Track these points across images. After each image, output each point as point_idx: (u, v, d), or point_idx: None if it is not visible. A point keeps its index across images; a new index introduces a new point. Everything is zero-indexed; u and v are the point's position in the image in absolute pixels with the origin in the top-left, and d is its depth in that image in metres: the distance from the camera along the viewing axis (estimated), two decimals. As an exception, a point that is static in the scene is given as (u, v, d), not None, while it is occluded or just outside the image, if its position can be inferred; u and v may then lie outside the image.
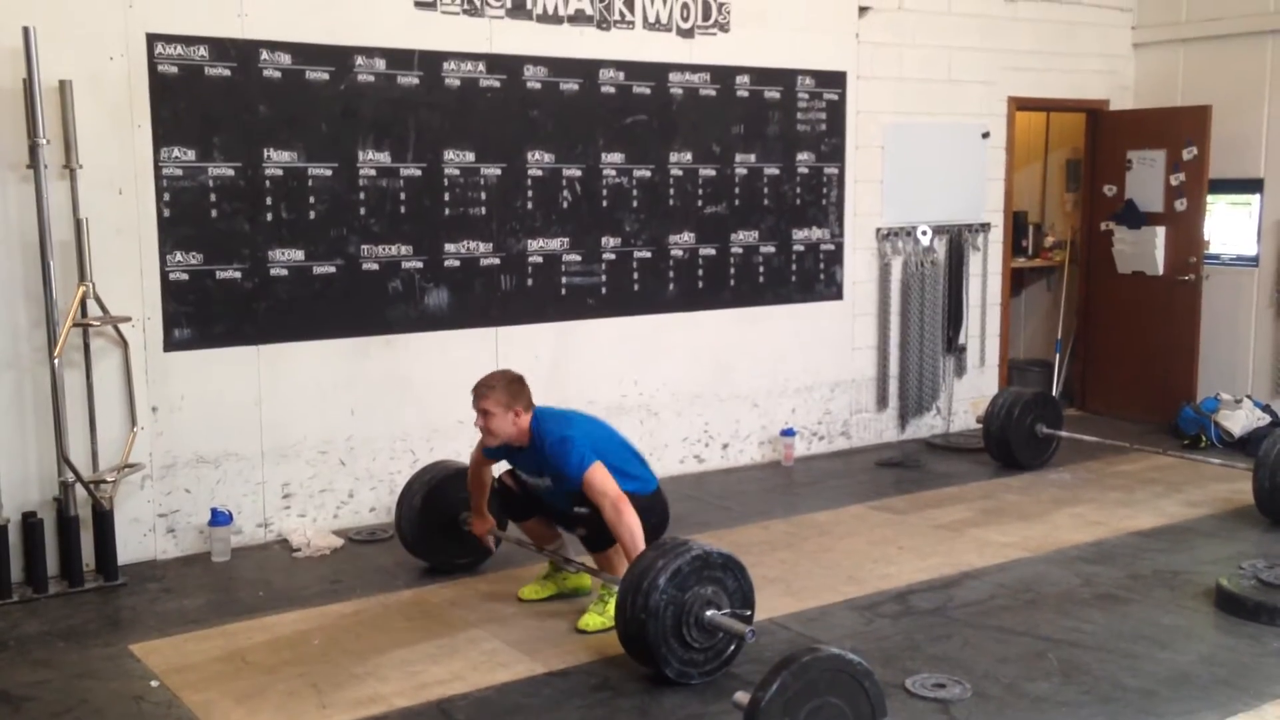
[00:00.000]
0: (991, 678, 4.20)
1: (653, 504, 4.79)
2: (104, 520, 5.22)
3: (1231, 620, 4.73)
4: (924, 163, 7.90)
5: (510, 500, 4.98)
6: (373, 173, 5.97)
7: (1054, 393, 8.81)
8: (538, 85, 6.39)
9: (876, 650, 4.41)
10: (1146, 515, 6.24)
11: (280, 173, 5.73)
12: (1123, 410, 8.63)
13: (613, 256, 6.71)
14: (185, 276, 5.54)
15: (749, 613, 4.19)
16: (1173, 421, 8.04)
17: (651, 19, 6.72)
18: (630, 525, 4.41)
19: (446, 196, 6.18)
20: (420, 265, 6.13)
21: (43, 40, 4.94)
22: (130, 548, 5.46)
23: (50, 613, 4.93)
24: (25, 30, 4.89)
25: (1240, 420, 7.67)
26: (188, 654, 4.50)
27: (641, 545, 4.36)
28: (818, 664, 3.36)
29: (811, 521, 6.19)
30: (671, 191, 6.88)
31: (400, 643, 4.57)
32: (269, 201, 5.71)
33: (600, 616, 4.65)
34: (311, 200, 5.82)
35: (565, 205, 6.54)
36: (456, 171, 6.20)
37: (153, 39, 5.37)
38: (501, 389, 4.69)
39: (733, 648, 4.21)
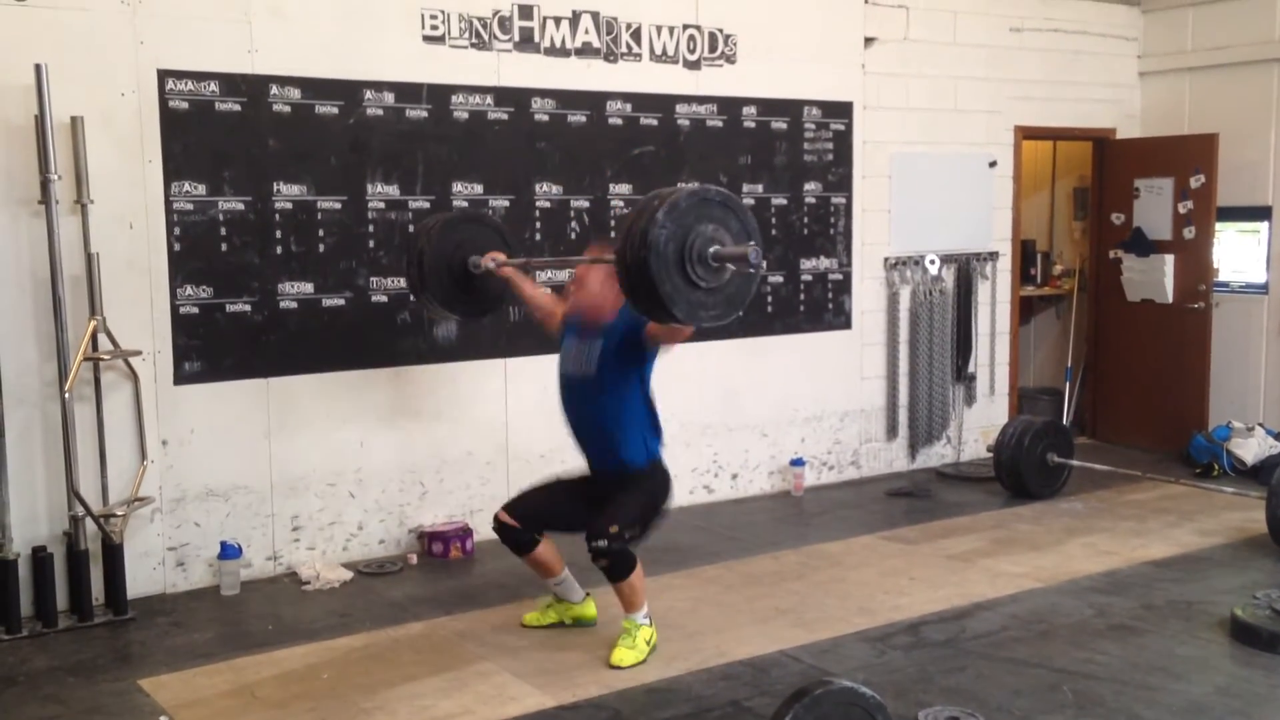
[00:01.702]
0: (1005, 710, 4.16)
1: (662, 480, 4.81)
2: (113, 554, 5.22)
3: (1247, 651, 4.68)
4: (931, 192, 7.91)
5: (514, 534, 4.95)
6: (382, 205, 6.00)
7: (1065, 421, 8.77)
8: (545, 117, 6.42)
9: (889, 682, 4.38)
10: (1159, 545, 6.21)
11: (290, 206, 5.76)
12: (1134, 438, 8.60)
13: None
14: (195, 310, 5.56)
15: (753, 242, 3.99)
16: (1184, 450, 8.00)
17: (658, 51, 6.76)
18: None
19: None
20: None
21: (54, 77, 4.98)
22: (140, 581, 5.46)
23: (59, 647, 4.92)
24: (37, 67, 4.93)
25: (1253, 448, 7.63)
26: (197, 688, 4.48)
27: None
28: (830, 697, 3.34)
29: (822, 552, 6.17)
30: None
31: (409, 676, 4.55)
32: (278, 235, 5.74)
33: (632, 650, 4.62)
34: (321, 233, 5.85)
35: (573, 236, 6.56)
36: (465, 203, 6.22)
37: (164, 75, 5.41)
38: (606, 270, 4.57)
39: (742, 286, 4.04)
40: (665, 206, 3.86)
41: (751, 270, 4.00)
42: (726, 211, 4.02)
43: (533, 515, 4.91)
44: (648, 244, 3.82)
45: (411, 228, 6.05)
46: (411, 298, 5.61)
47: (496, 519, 4.93)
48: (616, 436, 4.72)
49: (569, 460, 6.57)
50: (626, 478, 4.73)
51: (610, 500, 4.67)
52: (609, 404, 4.71)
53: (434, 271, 5.25)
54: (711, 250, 3.91)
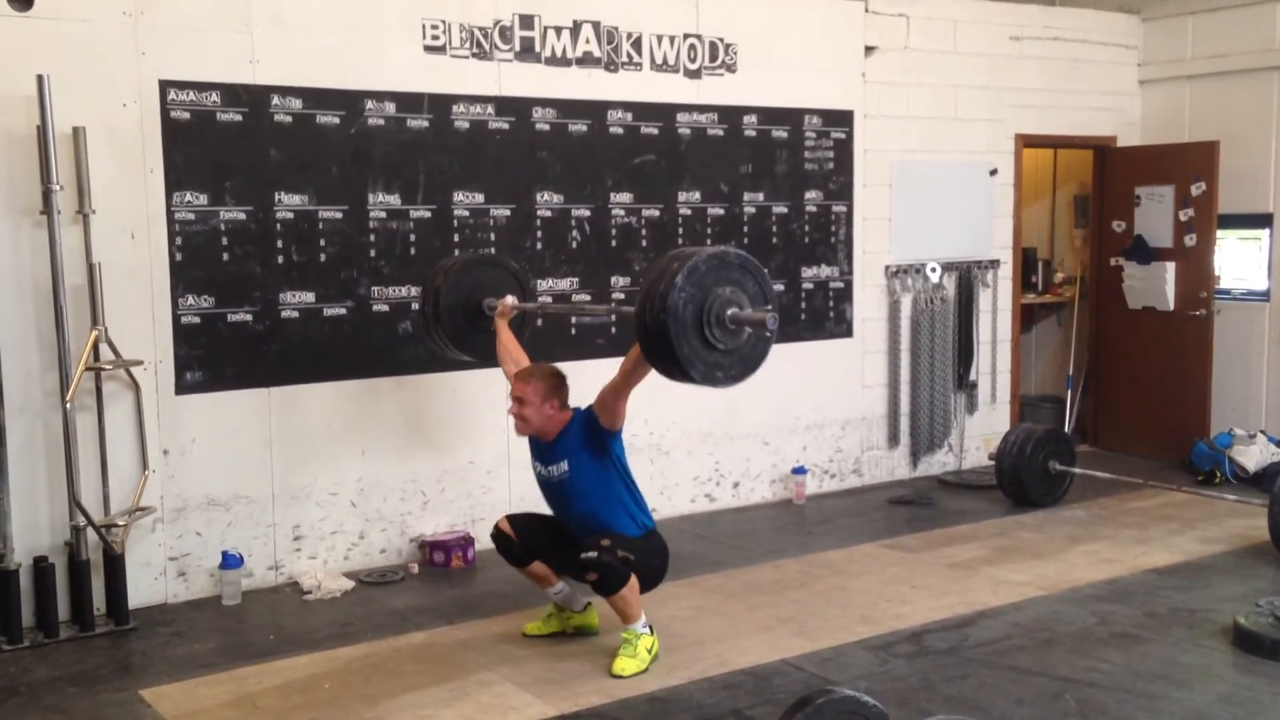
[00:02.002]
0: (1008, 719, 4.15)
1: (659, 544, 4.84)
2: (115, 564, 5.22)
3: (1250, 659, 4.68)
4: (932, 200, 7.92)
5: (511, 547, 4.94)
6: (383, 215, 6.00)
7: (1066, 429, 8.77)
8: (546, 127, 6.43)
9: (891, 691, 4.37)
10: (1162, 552, 6.20)
11: (291, 216, 5.77)
12: (1136, 446, 8.59)
13: (622, 296, 6.71)
14: (197, 320, 5.56)
15: (770, 308, 4.05)
16: (1186, 457, 7.99)
17: (659, 60, 6.77)
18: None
19: (456, 238, 6.21)
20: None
21: (56, 87, 4.99)
22: (141, 591, 5.46)
23: (61, 658, 4.92)
24: (39, 78, 4.95)
25: (1255, 455, 7.63)
26: (198, 699, 4.48)
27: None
28: (832, 706, 3.33)
29: (824, 560, 6.16)
30: (680, 231, 6.90)
31: (411, 686, 4.55)
32: (280, 245, 5.75)
33: (633, 660, 4.62)
34: (322, 243, 5.85)
35: (574, 245, 6.57)
36: (466, 213, 6.23)
37: (165, 85, 5.42)
38: (541, 379, 4.75)
39: (759, 347, 4.08)
40: (685, 270, 3.92)
41: (768, 335, 4.07)
42: (744, 274, 4.09)
43: (531, 537, 4.93)
44: (667, 308, 3.89)
45: (413, 237, 6.07)
46: (426, 331, 5.57)
47: (497, 527, 4.94)
48: (602, 528, 4.71)
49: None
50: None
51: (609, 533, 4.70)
52: (587, 509, 4.74)
53: (449, 311, 5.32)
54: (729, 313, 3.98)
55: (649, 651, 4.67)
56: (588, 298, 6.62)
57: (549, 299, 6.49)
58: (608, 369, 6.58)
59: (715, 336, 3.97)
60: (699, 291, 3.93)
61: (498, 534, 4.94)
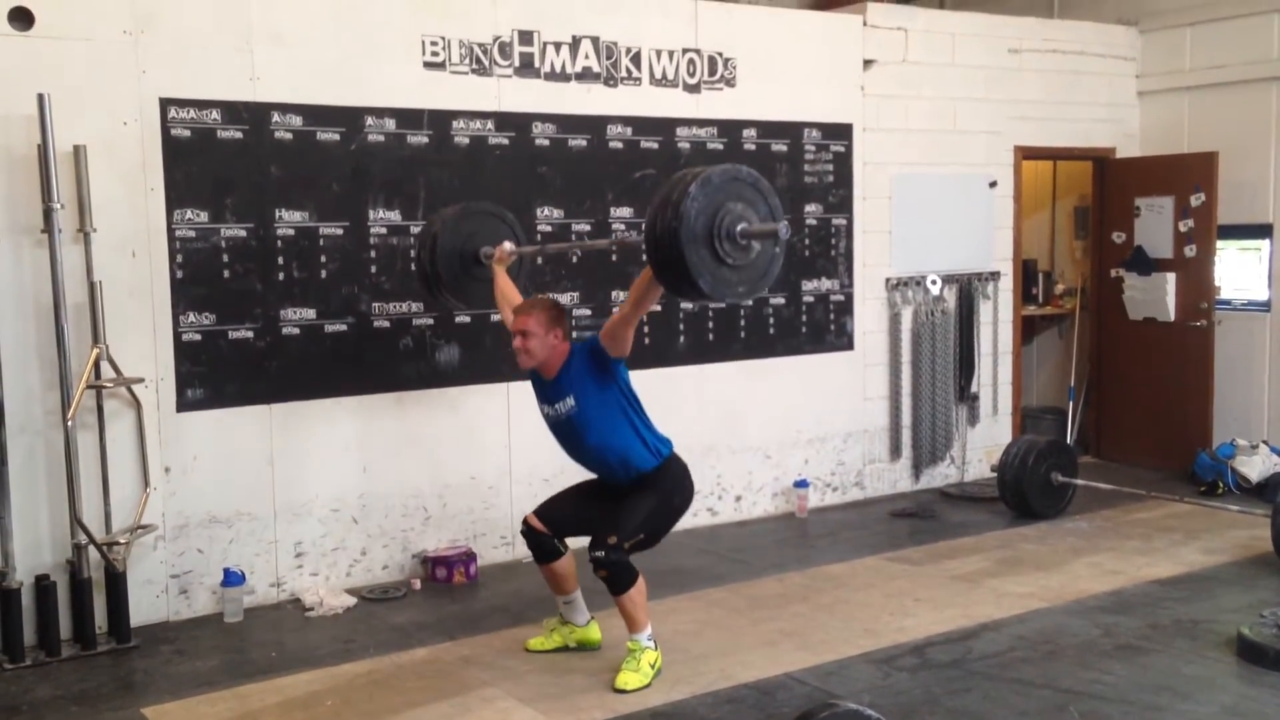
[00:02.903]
0: (1012, 732, 4.15)
1: (678, 473, 4.80)
2: (117, 582, 5.21)
3: (1254, 670, 4.66)
4: (932, 212, 7.93)
5: (543, 542, 4.92)
6: (383, 231, 6.01)
7: (1068, 440, 8.76)
8: (546, 142, 6.45)
9: (894, 704, 4.36)
10: (1165, 563, 6.19)
11: (292, 233, 5.78)
12: (1138, 457, 8.58)
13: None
14: (198, 337, 5.57)
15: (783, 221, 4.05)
16: (1189, 468, 7.99)
17: (658, 75, 6.79)
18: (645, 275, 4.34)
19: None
20: (431, 322, 6.16)
21: (57, 106, 5.01)
22: (143, 609, 5.45)
23: (63, 676, 4.91)
24: (40, 97, 4.96)
25: (1257, 466, 7.62)
26: (200, 717, 4.47)
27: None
28: (835, 720, 3.32)
29: (827, 574, 6.15)
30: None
31: (413, 703, 4.54)
32: (281, 261, 5.75)
33: (636, 674, 4.62)
34: (323, 259, 5.86)
35: (575, 259, 6.57)
36: (467, 228, 6.23)
37: (166, 103, 5.44)
38: (542, 310, 4.72)
39: (769, 265, 4.07)
40: (698, 181, 3.91)
41: (777, 250, 4.04)
42: (756, 193, 4.07)
43: (559, 520, 4.92)
44: (679, 215, 3.86)
45: (413, 253, 6.07)
46: (422, 281, 5.60)
47: (526, 523, 4.94)
48: (619, 459, 4.72)
49: (573, 482, 6.58)
50: (644, 481, 4.74)
51: (623, 505, 4.68)
52: (599, 440, 4.71)
53: (445, 259, 5.36)
54: (740, 228, 3.95)
55: (652, 666, 4.66)
56: (588, 312, 6.62)
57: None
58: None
59: (725, 250, 3.94)
60: (711, 203, 3.91)
61: (528, 530, 4.93)
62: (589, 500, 4.91)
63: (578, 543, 4.86)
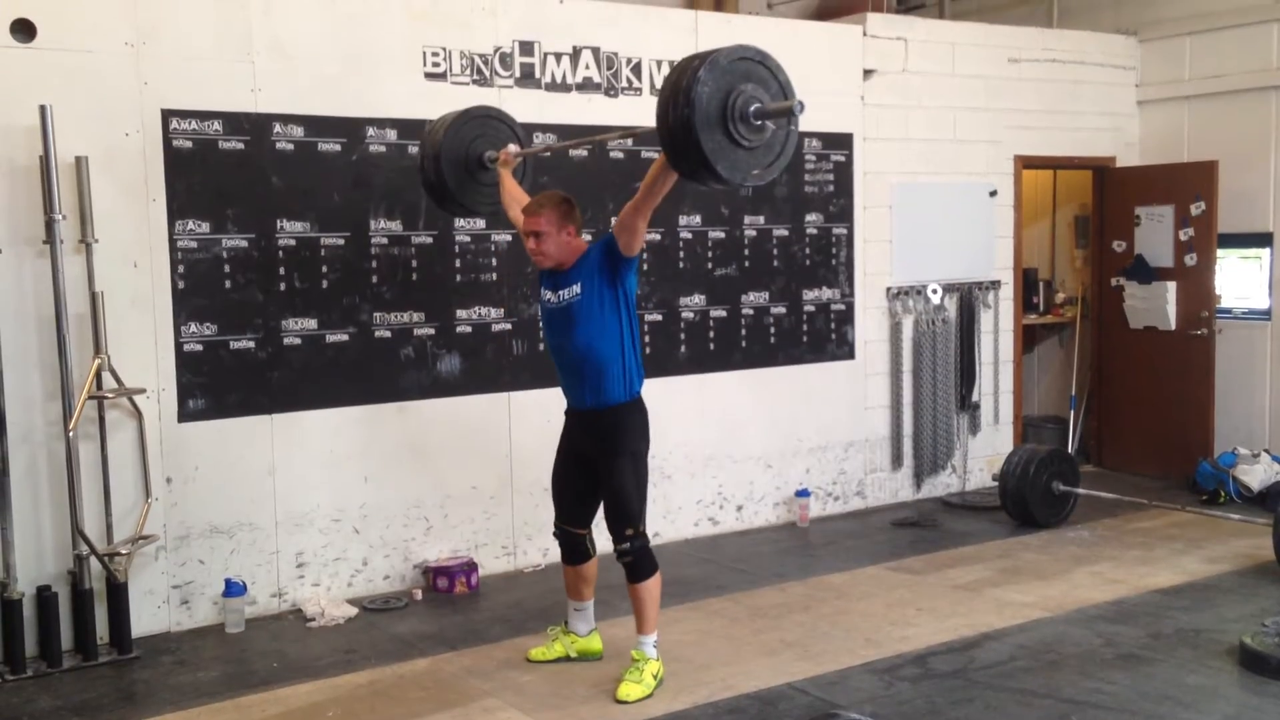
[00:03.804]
0: (1014, 741, 4.14)
1: (644, 419, 4.80)
2: (118, 593, 5.21)
3: (1256, 679, 4.66)
4: (932, 222, 7.94)
5: (578, 543, 4.96)
6: (384, 241, 6.02)
7: (1070, 449, 8.76)
8: (547, 152, 6.45)
9: (896, 715, 4.36)
10: (1167, 573, 6.18)
11: (293, 243, 5.79)
12: (1139, 466, 8.58)
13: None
14: (199, 347, 5.58)
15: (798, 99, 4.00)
16: (1190, 477, 7.98)
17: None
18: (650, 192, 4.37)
19: (458, 263, 6.22)
20: (432, 332, 6.16)
21: (59, 118, 5.02)
22: (144, 620, 5.45)
23: (64, 688, 4.91)
24: (42, 108, 4.97)
25: (1259, 474, 7.61)
26: (201, 728, 4.47)
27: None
28: (837, 730, 3.32)
29: (828, 583, 6.15)
30: (681, 254, 6.92)
31: (415, 713, 4.54)
32: (282, 271, 5.76)
33: (639, 685, 4.62)
34: (324, 269, 5.87)
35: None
36: (467, 238, 6.25)
37: (167, 114, 5.45)
38: (552, 207, 4.66)
39: (785, 143, 4.04)
40: (707, 64, 3.86)
41: (792, 129, 4.00)
42: (766, 71, 4.01)
43: (574, 513, 4.95)
44: (690, 102, 3.81)
45: (414, 263, 6.09)
46: (428, 191, 5.56)
47: (564, 530, 4.96)
48: (596, 371, 4.66)
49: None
50: (604, 423, 4.72)
51: (610, 487, 4.71)
52: (587, 340, 4.63)
53: (450, 166, 5.32)
54: (754, 108, 3.90)
55: (655, 677, 4.66)
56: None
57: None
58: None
59: (740, 133, 3.90)
60: (721, 86, 3.86)
61: (564, 533, 4.96)
62: (575, 479, 4.91)
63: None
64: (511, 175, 5.32)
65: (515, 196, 5.19)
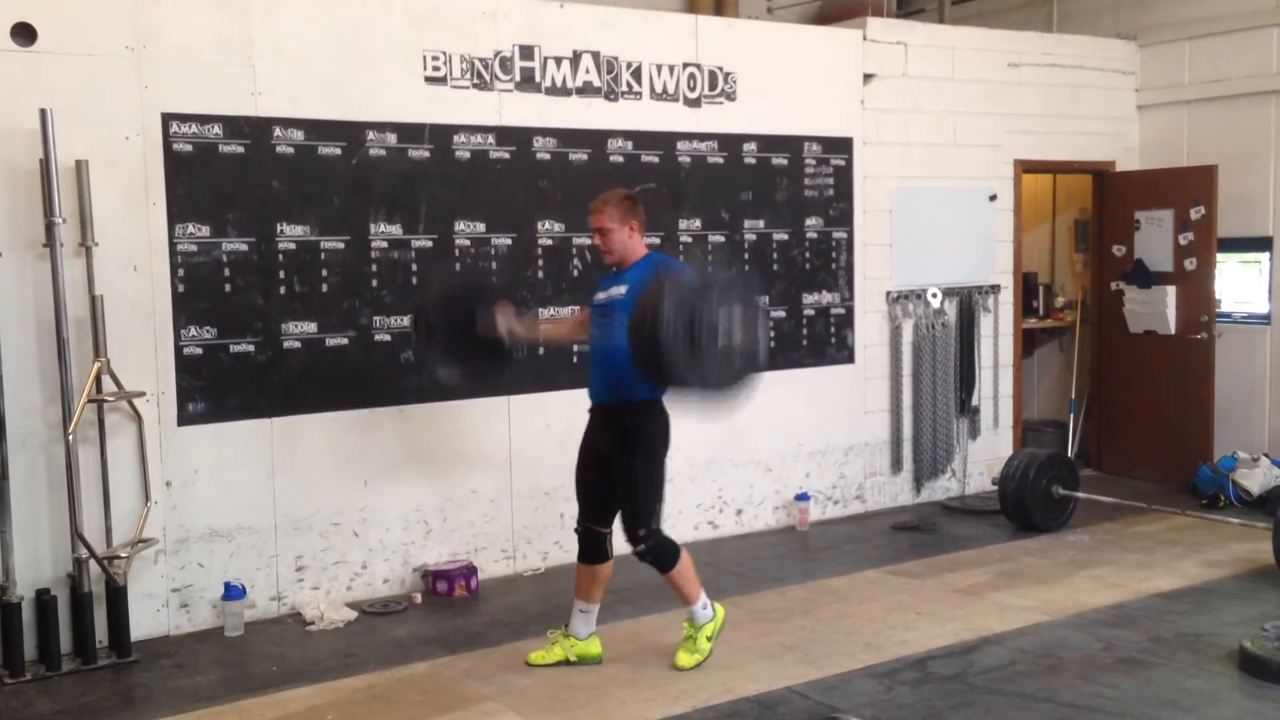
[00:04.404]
0: (1014, 746, 4.14)
1: (665, 421, 4.88)
2: (117, 596, 5.21)
3: (1256, 683, 4.65)
4: (932, 226, 7.94)
5: (599, 541, 4.99)
6: (384, 245, 6.03)
7: (1069, 454, 8.76)
8: (547, 156, 6.46)
9: (896, 718, 4.36)
10: (1166, 577, 6.18)
11: (293, 247, 5.79)
12: (1139, 470, 8.58)
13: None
14: (199, 351, 5.58)
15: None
16: (1190, 481, 7.98)
17: (659, 89, 6.81)
18: None
19: (458, 267, 6.22)
20: (432, 336, 6.16)
21: (59, 121, 5.02)
22: (144, 623, 5.44)
23: (63, 691, 4.90)
24: (42, 112, 4.97)
25: (1258, 479, 7.61)
26: (200, 731, 4.47)
27: None
28: (836, 734, 3.32)
29: (828, 587, 6.14)
30: (681, 258, 6.91)
31: (414, 717, 4.53)
32: (282, 275, 5.76)
33: (692, 654, 4.90)
34: (324, 273, 5.87)
35: (575, 274, 6.58)
36: (467, 242, 6.25)
37: (168, 118, 5.45)
38: (615, 205, 4.84)
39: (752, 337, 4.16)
40: (666, 298, 4.01)
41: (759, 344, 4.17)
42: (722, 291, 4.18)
43: (598, 513, 4.98)
44: (660, 355, 4.00)
45: (415, 266, 6.09)
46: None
47: (585, 527, 5.00)
48: (622, 370, 4.71)
49: (573, 499, 6.57)
50: (623, 420, 4.81)
51: (624, 486, 4.80)
52: (621, 342, 4.68)
53: (451, 349, 5.25)
54: (720, 338, 4.07)
55: (709, 640, 4.89)
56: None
57: (552, 319, 6.50)
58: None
59: (718, 355, 4.05)
60: (684, 315, 3.99)
61: (587, 531, 5.00)
62: (595, 476, 4.97)
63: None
64: (523, 324, 5.23)
65: (558, 333, 5.36)
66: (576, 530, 5.06)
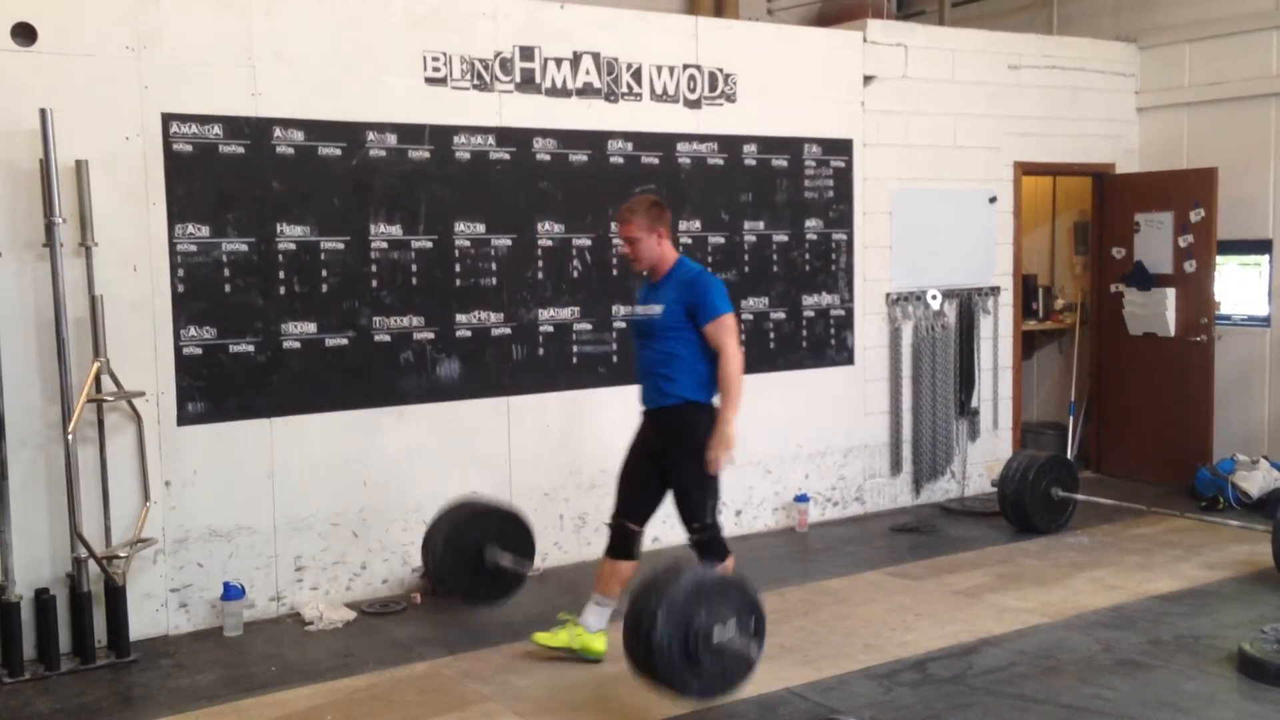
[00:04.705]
0: (1012, 747, 4.14)
1: (712, 419, 4.90)
2: (116, 596, 5.21)
3: (1255, 686, 4.66)
4: (932, 228, 7.94)
5: (629, 536, 5.05)
6: (384, 245, 6.03)
7: (1069, 456, 8.76)
8: (547, 157, 6.46)
9: (895, 719, 4.36)
10: (1166, 579, 6.18)
11: (293, 247, 5.79)
12: (1138, 472, 8.57)
13: (623, 325, 6.73)
14: (199, 351, 5.58)
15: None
16: (1189, 483, 7.98)
17: (659, 91, 6.81)
18: (737, 380, 4.81)
19: (457, 268, 6.23)
20: (432, 336, 6.17)
21: (59, 121, 5.03)
22: (143, 623, 5.44)
23: (62, 690, 4.90)
24: (42, 112, 4.98)
25: (1258, 481, 7.61)
26: (199, 731, 4.47)
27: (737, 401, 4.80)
28: (835, 736, 3.33)
29: (827, 589, 6.14)
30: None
31: (413, 717, 4.53)
32: (282, 275, 5.76)
33: None
34: (324, 274, 5.87)
35: (575, 275, 6.58)
36: (467, 243, 6.25)
37: (168, 119, 5.45)
38: (643, 213, 4.93)
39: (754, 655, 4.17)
40: (663, 608, 3.99)
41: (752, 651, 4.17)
42: (717, 594, 4.16)
43: (635, 509, 5.05)
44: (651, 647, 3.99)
45: (414, 267, 6.09)
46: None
47: (619, 522, 5.05)
48: (671, 380, 4.91)
49: (572, 500, 6.61)
50: (675, 423, 4.93)
51: (676, 483, 4.93)
52: (668, 352, 4.91)
53: (454, 576, 5.26)
54: (716, 637, 4.08)
55: None
56: (589, 326, 6.63)
57: (550, 328, 6.51)
58: (609, 397, 6.65)
59: (708, 659, 4.07)
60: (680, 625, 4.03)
61: (619, 526, 5.06)
62: (639, 473, 5.06)
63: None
64: None
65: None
66: (609, 524, 5.11)
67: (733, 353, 4.82)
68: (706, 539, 4.91)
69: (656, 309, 4.94)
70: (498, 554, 5.23)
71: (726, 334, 4.84)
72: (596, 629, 5.07)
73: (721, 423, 4.80)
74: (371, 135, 5.96)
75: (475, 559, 5.23)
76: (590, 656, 5.04)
